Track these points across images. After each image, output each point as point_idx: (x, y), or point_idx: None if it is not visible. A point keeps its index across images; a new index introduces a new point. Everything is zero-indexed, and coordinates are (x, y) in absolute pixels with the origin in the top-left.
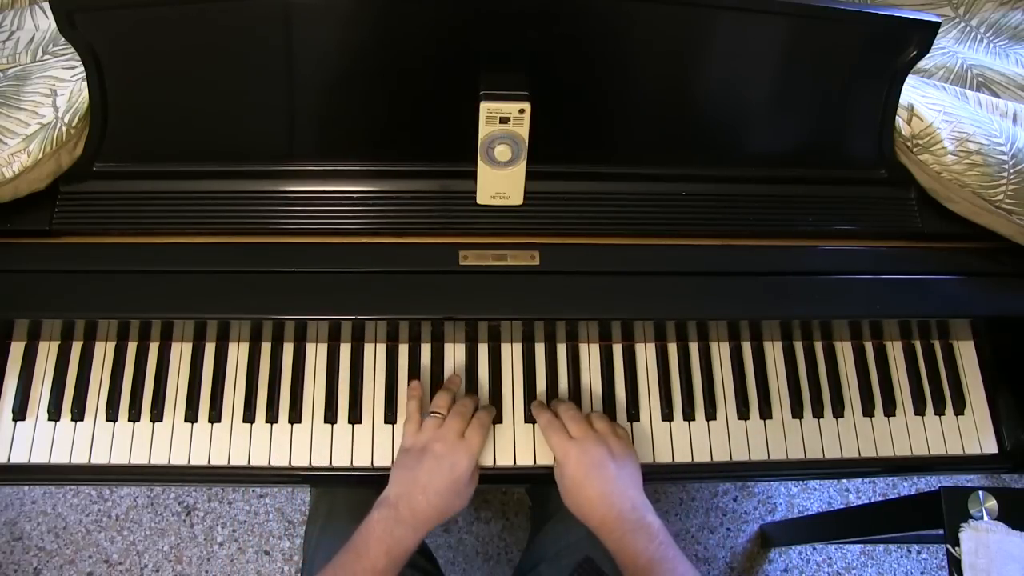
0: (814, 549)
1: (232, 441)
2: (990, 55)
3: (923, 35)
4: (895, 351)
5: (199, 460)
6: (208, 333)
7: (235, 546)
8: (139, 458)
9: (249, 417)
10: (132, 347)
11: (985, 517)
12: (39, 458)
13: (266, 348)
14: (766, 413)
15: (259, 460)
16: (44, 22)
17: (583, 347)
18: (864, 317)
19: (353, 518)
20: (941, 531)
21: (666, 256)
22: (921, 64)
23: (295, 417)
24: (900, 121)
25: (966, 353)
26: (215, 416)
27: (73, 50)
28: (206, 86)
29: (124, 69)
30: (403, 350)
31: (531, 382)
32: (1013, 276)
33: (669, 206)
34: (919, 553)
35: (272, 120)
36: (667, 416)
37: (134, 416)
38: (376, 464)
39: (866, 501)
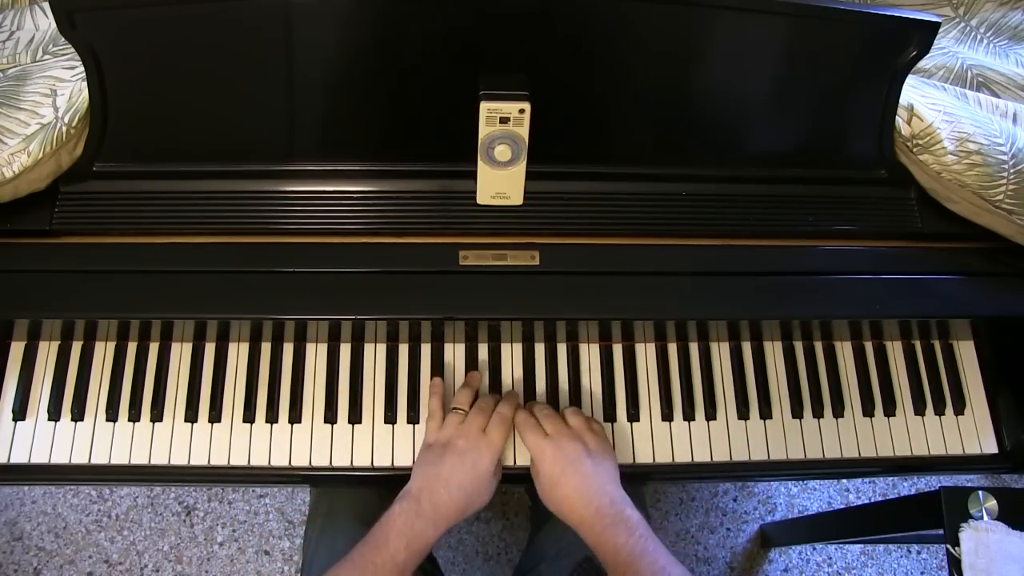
0: (814, 549)
1: (232, 441)
2: (990, 55)
3: (923, 35)
4: (895, 351)
5: (199, 460)
6: (208, 333)
7: (235, 546)
8: (139, 458)
9: (249, 417)
10: (132, 347)
11: (985, 517)
12: (39, 458)
13: (266, 348)
14: (766, 413)
15: (259, 460)
16: (44, 22)
17: (583, 347)
18: (864, 317)
19: (353, 518)
20: (941, 531)
21: (666, 256)
22: (921, 64)
23: (295, 417)
24: (900, 121)
25: (966, 353)
26: (215, 416)
27: (73, 50)
28: (206, 86)
29: (124, 69)
30: (403, 350)
31: (531, 382)
32: (1013, 276)
33: (669, 206)
34: (919, 553)
35: (272, 120)
36: (667, 416)
37: (134, 416)
38: (376, 464)
39: (866, 501)
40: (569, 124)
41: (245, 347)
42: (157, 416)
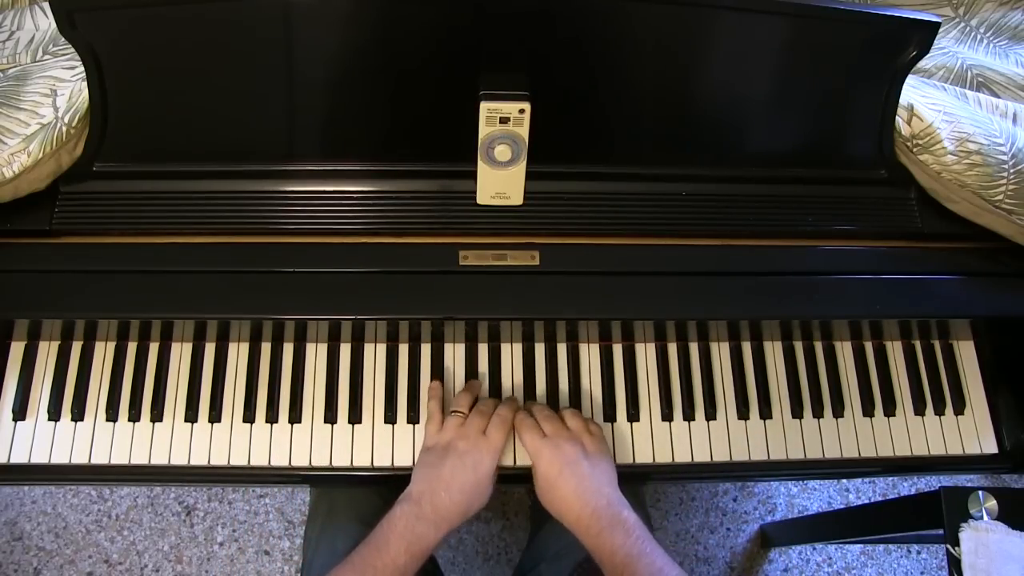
0: (814, 549)
1: (232, 441)
2: (990, 55)
3: (923, 35)
4: (895, 351)
5: (199, 460)
6: (208, 333)
7: (235, 546)
8: (139, 458)
9: (249, 417)
10: (132, 347)
11: (985, 517)
12: (39, 458)
13: (266, 348)
14: (766, 413)
15: (259, 460)
16: (44, 22)
17: (583, 347)
18: (864, 317)
19: (353, 518)
20: (941, 531)
21: (666, 256)
22: (921, 64)
23: (295, 417)
24: (900, 121)
25: (966, 353)
26: (215, 416)
27: (73, 50)
28: (206, 86)
29: (124, 69)
30: (403, 350)
31: (531, 382)
32: (1013, 276)
33: (669, 206)
34: (919, 553)
35: (272, 120)
36: (667, 416)
37: (134, 416)
38: (376, 464)
39: (866, 501)
40: (569, 124)
41: (245, 347)
42: (157, 416)
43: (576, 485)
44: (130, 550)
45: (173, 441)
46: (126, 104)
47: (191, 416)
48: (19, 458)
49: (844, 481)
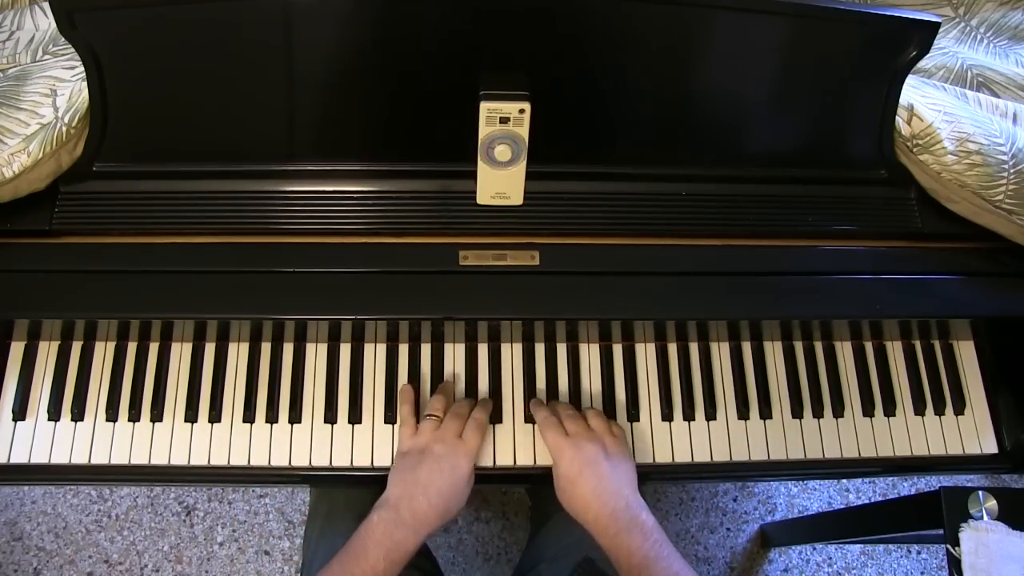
0: (814, 549)
1: (232, 441)
2: (990, 55)
3: (923, 35)
4: (895, 351)
5: (199, 460)
6: (208, 333)
7: (235, 546)
8: (139, 458)
9: (249, 417)
10: (132, 347)
11: (985, 517)
12: (39, 458)
13: (266, 348)
14: (766, 413)
15: (259, 460)
16: (44, 22)
17: (583, 347)
18: (864, 317)
19: (353, 518)
20: (941, 531)
21: (666, 256)
22: (921, 64)
23: (295, 417)
24: (900, 121)
25: (966, 353)
26: (215, 416)
27: (73, 50)
28: (206, 86)
29: (124, 69)
30: (403, 350)
31: (531, 382)
32: (1013, 276)
33: (669, 206)
34: (919, 553)
35: (272, 120)
36: (667, 416)
37: (134, 416)
38: (376, 464)
39: (866, 501)
40: (569, 124)
41: (245, 347)
42: (157, 416)
43: (595, 485)
44: (130, 550)
45: (173, 441)
46: (126, 104)
47: (191, 416)
48: (19, 458)
49: (844, 481)
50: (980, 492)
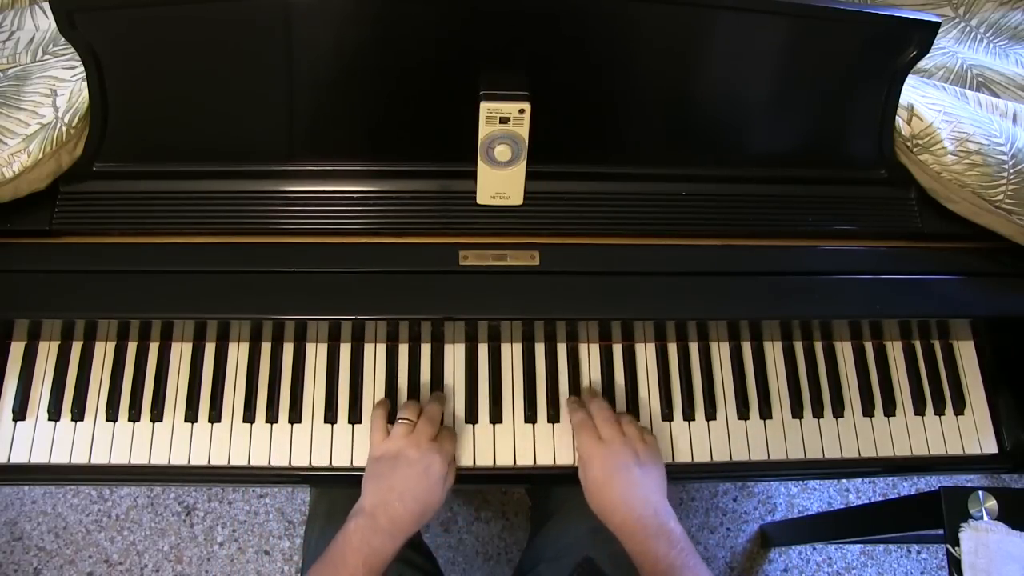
0: (814, 549)
1: (232, 441)
2: (990, 55)
3: (923, 35)
4: (895, 351)
5: (199, 460)
6: (208, 333)
7: (235, 546)
8: (139, 458)
9: (249, 417)
10: (132, 347)
11: (985, 517)
12: (39, 458)
13: (266, 348)
14: (766, 413)
15: (259, 460)
16: (44, 22)
17: (583, 347)
18: (864, 317)
19: None
20: (941, 531)
21: (666, 256)
22: (921, 64)
23: (295, 417)
24: (900, 121)
25: (966, 353)
26: (215, 416)
27: (73, 50)
28: (206, 86)
29: (124, 69)
30: (403, 350)
31: (531, 382)
32: (1013, 276)
33: (669, 206)
34: (919, 553)
35: (272, 120)
36: (667, 416)
37: (134, 416)
38: None
39: (866, 501)
40: (569, 124)
41: (245, 347)
42: (157, 416)
43: (624, 491)
44: (130, 550)
45: (173, 441)
46: (126, 104)
47: (191, 416)
48: (19, 458)
49: (844, 481)
50: (980, 492)
